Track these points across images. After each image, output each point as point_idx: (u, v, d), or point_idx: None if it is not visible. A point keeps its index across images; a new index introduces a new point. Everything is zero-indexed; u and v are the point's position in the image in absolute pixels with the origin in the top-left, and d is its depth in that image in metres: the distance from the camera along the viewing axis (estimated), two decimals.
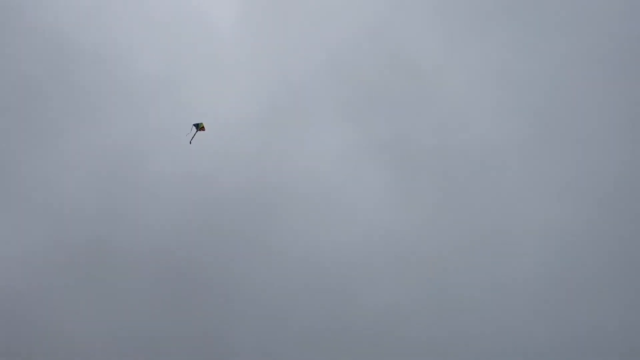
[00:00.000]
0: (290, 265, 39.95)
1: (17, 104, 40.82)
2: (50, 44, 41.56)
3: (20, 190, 39.68)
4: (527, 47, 42.36)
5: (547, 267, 39.01)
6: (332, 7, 43.83)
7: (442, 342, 38.31)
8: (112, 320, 38.20)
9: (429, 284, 39.71)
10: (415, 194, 41.60)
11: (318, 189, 41.74)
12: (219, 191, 41.12)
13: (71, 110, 41.31)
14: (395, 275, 40.09)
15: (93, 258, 39.04)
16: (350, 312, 39.12)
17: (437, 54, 43.09)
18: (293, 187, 41.68)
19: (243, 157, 41.90)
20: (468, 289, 39.40)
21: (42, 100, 41.17)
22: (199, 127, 35.86)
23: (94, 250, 39.18)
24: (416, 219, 41.03)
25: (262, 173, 41.86)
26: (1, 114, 40.69)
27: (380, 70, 43.54)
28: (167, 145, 41.09)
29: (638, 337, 36.66)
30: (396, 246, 40.71)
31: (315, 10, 43.91)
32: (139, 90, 42.09)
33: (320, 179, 41.89)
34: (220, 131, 39.39)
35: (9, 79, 40.85)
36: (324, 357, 38.22)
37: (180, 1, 43.58)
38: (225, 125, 40.31)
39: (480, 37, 42.87)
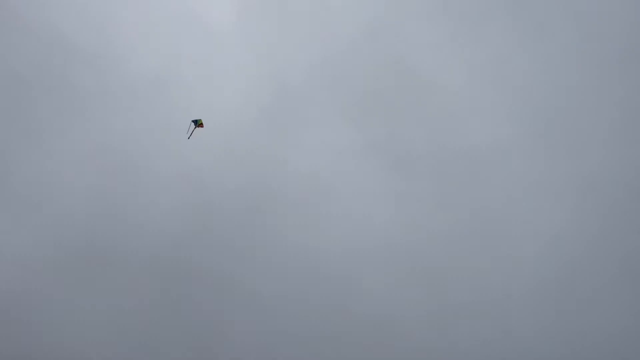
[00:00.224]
0: (285, 265, 40.09)
1: (12, 103, 40.73)
2: (45, 42, 41.47)
3: (16, 191, 39.58)
4: (523, 49, 42.43)
5: (544, 269, 39.19)
6: (328, 9, 43.88)
7: (438, 343, 38.47)
8: (108, 319, 38.18)
9: (424, 284, 39.91)
10: (411, 195, 41.73)
11: (314, 190, 41.86)
12: (215, 191, 41.14)
13: (67, 109, 41.22)
14: (389, 276, 40.24)
15: (89, 258, 39.03)
16: (346, 312, 39.22)
17: (432, 56, 43.17)
18: (289, 187, 41.84)
19: (239, 156, 41.97)
20: (463, 291, 39.59)
21: (38, 100, 41.05)
22: (198, 123, 35.84)
23: (90, 250, 39.18)
24: (411, 219, 41.24)
25: (258, 172, 41.99)
26: None
27: (376, 71, 43.67)
28: (163, 145, 41.19)
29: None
30: (391, 247, 40.87)
31: (312, 12, 43.97)
32: (135, 89, 42.00)
33: (316, 180, 41.99)
34: (216, 131, 39.44)
35: (4, 78, 40.72)
36: (319, 352, 38.41)
37: (177, 1, 43.50)
38: (222, 125, 40.38)
39: (477, 39, 43.00)
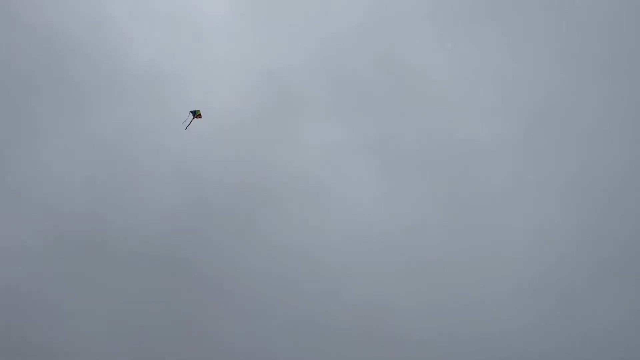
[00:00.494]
0: (280, 258, 40.37)
1: (8, 97, 40.85)
2: (41, 37, 41.69)
3: (12, 183, 39.72)
4: (515, 48, 43.15)
5: (537, 265, 39.70)
6: (323, 5, 44.49)
7: (432, 338, 38.91)
8: (103, 311, 38.34)
9: (418, 280, 40.26)
10: (405, 192, 42.16)
11: (308, 186, 42.18)
12: (210, 185, 41.42)
13: (63, 103, 41.37)
14: (384, 272, 40.60)
15: (86, 250, 39.17)
16: (341, 307, 39.57)
17: (426, 54, 43.75)
18: (283, 182, 42.15)
19: (234, 151, 42.27)
20: (457, 287, 40.03)
21: (34, 94, 41.19)
22: (196, 114, 36.15)
23: (87, 242, 39.33)
24: (405, 216, 41.66)
25: (252, 167, 42.26)
26: None
27: (370, 69, 44.12)
28: (159, 140, 41.42)
29: (630, 335, 37.47)
30: (386, 243, 41.28)
31: (306, 8, 44.48)
32: (131, 84, 42.28)
33: (310, 176, 42.34)
34: (211, 126, 39.75)
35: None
36: (313, 347, 38.71)
37: None
38: (216, 120, 40.53)
39: (469, 37, 43.66)
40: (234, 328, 38.81)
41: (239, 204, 41.46)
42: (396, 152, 42.97)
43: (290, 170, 42.36)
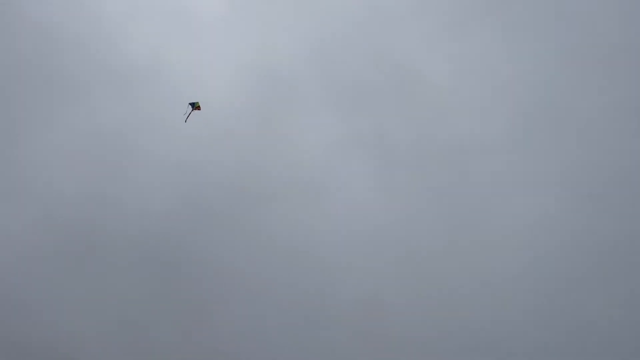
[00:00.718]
0: (275, 252, 40.55)
1: (2, 93, 40.76)
2: (35, 33, 41.57)
3: (7, 179, 39.68)
4: (509, 45, 43.40)
5: (529, 256, 40.06)
6: (318, 2, 44.68)
7: (425, 327, 39.20)
8: (97, 303, 38.44)
9: (411, 271, 40.54)
10: (398, 186, 42.39)
11: (303, 180, 42.34)
12: (206, 178, 41.51)
13: (59, 99, 41.31)
14: (377, 263, 40.83)
15: (81, 247, 39.23)
16: (335, 298, 39.81)
17: (421, 50, 43.93)
18: (278, 178, 42.30)
19: (230, 148, 42.41)
20: (450, 278, 40.30)
21: (29, 89, 41.10)
22: (195, 106, 36.29)
23: (83, 239, 39.37)
24: (400, 209, 41.87)
25: (248, 163, 42.36)
26: None
27: (365, 65, 44.31)
28: (153, 133, 41.51)
29: (627, 332, 37.70)
30: (379, 235, 41.52)
31: (302, 4, 44.62)
32: (126, 77, 42.30)
33: (305, 171, 42.52)
34: (207, 122, 39.89)
35: None
36: (309, 339, 38.94)
37: None
38: (212, 116, 40.49)
39: (465, 33, 43.85)
40: (230, 322, 39.01)
41: (235, 199, 41.58)
42: (391, 147, 43.20)
43: (286, 167, 42.50)
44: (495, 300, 39.40)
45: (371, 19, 44.52)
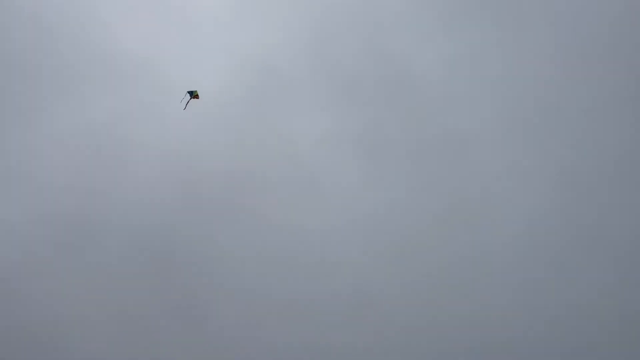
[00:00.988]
0: (268, 241, 40.88)
1: None
2: (31, 21, 41.54)
3: (2, 165, 39.72)
4: (500, 39, 43.74)
5: (523, 249, 40.58)
6: None
7: (416, 318, 39.65)
8: (91, 291, 38.55)
9: (402, 264, 40.89)
10: (391, 180, 42.70)
11: (295, 173, 42.60)
12: (200, 171, 41.61)
13: (51, 90, 41.26)
14: (368, 256, 41.19)
15: (75, 234, 39.30)
16: (328, 288, 40.18)
17: (413, 43, 44.21)
18: (271, 170, 42.43)
19: (223, 139, 42.53)
20: (441, 269, 40.66)
21: (22, 81, 41.10)
22: (193, 94, 36.60)
23: (77, 226, 39.43)
24: (391, 202, 42.16)
25: (240, 155, 42.50)
26: None
27: (357, 58, 44.44)
28: (149, 125, 41.67)
29: (610, 316, 38.40)
30: (370, 228, 41.83)
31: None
32: (121, 68, 42.28)
33: (296, 163, 42.71)
34: (200, 113, 40.10)
35: None
36: (300, 327, 39.30)
37: None
38: (205, 107, 40.57)
39: (457, 27, 44.21)
40: (221, 307, 39.31)
41: (228, 192, 41.67)
42: (383, 142, 43.42)
43: (278, 159, 42.66)
44: (487, 292, 39.82)
45: (364, 14, 44.76)
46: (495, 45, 43.62)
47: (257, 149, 42.75)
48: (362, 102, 43.95)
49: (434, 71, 43.75)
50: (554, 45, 43.12)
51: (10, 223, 38.75)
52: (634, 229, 39.79)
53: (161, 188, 41.02)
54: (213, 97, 41.49)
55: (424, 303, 39.79)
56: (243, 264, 40.29)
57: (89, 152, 40.91)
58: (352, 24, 44.55)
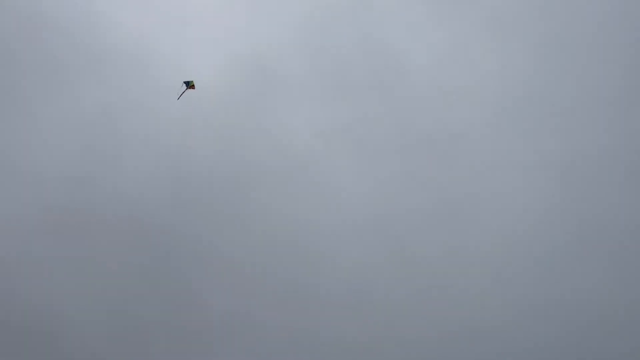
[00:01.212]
0: (262, 232, 41.20)
1: None
2: (23, 14, 41.25)
3: None
4: (491, 32, 44.17)
5: (514, 242, 41.22)
6: None
7: (412, 317, 40.21)
8: (84, 281, 38.67)
9: (396, 258, 41.47)
10: (384, 174, 43.12)
11: (291, 166, 42.85)
12: (192, 164, 41.74)
13: (45, 81, 41.02)
14: (362, 249, 41.70)
15: (68, 226, 39.21)
16: (320, 274, 40.67)
17: (406, 36, 44.49)
18: (264, 164, 42.63)
19: (216, 129, 42.65)
20: (433, 264, 41.28)
21: (15, 71, 40.79)
22: (189, 84, 36.90)
23: (69, 218, 39.31)
24: (384, 197, 42.69)
25: (233, 149, 42.65)
26: None
27: (350, 52, 44.62)
28: (141, 117, 41.57)
29: (600, 309, 39.11)
30: (365, 222, 42.30)
31: None
32: (114, 61, 42.13)
33: (289, 157, 42.91)
34: (193, 105, 40.31)
35: None
36: (294, 316, 39.69)
37: None
38: (198, 99, 40.80)
39: (450, 21, 44.49)
40: (214, 299, 39.54)
41: (220, 186, 41.85)
42: (375, 136, 43.72)
43: (271, 155, 42.85)
44: (483, 286, 40.45)
45: (356, 7, 44.91)
46: (486, 39, 44.02)
47: (249, 142, 42.85)
48: (354, 96, 44.19)
49: (426, 65, 44.07)
50: (546, 39, 43.58)
51: (1, 216, 38.57)
52: (623, 223, 40.51)
53: (153, 180, 41.06)
54: (205, 91, 41.25)
55: (420, 297, 40.36)
56: (235, 255, 40.53)
57: (81, 145, 40.77)
58: (344, 19, 44.68)
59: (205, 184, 41.57)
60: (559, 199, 41.55)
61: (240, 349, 39.00)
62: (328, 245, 41.30)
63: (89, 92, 41.32)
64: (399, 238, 41.72)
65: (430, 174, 42.84)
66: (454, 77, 43.98)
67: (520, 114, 43.33)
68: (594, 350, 38.28)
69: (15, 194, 38.97)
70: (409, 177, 42.84)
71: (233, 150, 42.41)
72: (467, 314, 39.72)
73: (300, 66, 43.89)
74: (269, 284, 40.25)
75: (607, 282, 39.58)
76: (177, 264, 39.86)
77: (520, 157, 42.70)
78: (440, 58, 44.05)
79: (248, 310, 39.46)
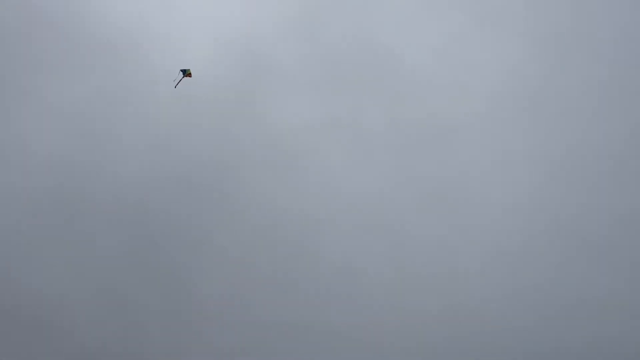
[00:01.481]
0: (255, 222, 41.36)
1: None
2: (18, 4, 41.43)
3: None
4: (485, 26, 44.16)
5: (507, 235, 41.23)
6: None
7: (401, 301, 40.42)
8: (77, 268, 38.80)
9: (387, 251, 41.61)
10: (376, 166, 43.13)
11: (279, 158, 42.90)
12: (184, 150, 41.79)
13: (37, 67, 41.04)
14: (354, 240, 41.80)
15: (60, 210, 39.39)
16: (314, 264, 40.89)
17: (398, 29, 44.52)
18: (255, 153, 42.75)
19: (207, 120, 42.73)
20: (425, 257, 41.39)
21: (8, 55, 40.85)
22: (186, 73, 37.58)
23: (61, 202, 39.51)
24: (377, 189, 42.66)
25: (225, 137, 42.77)
26: None
27: (342, 44, 44.57)
28: (133, 103, 41.72)
29: (591, 306, 39.15)
30: (356, 213, 42.30)
31: None
32: (105, 47, 42.12)
33: (281, 148, 42.98)
34: (185, 92, 40.27)
35: None
36: (287, 303, 39.99)
37: None
38: (190, 87, 40.65)
39: (443, 13, 44.47)
40: (208, 283, 39.78)
41: (212, 172, 41.93)
42: (369, 128, 43.67)
43: (262, 143, 42.89)
44: (477, 279, 40.51)
45: (351, 0, 44.89)
46: (481, 32, 44.05)
47: (241, 132, 42.90)
48: (347, 89, 44.16)
49: (419, 58, 44.06)
50: (541, 34, 43.58)
51: None
52: (616, 220, 40.47)
53: (147, 165, 41.12)
54: (197, 80, 41.10)
55: (408, 286, 40.49)
56: (227, 242, 40.66)
57: (74, 129, 40.77)
58: (338, 11, 44.67)
59: (199, 170, 41.69)
60: (554, 193, 41.63)
61: (233, 334, 39.26)
62: (322, 236, 41.39)
63: (82, 78, 41.42)
64: (392, 231, 41.80)
65: (422, 167, 42.91)
66: (447, 71, 43.98)
67: (515, 108, 43.32)
68: (585, 339, 38.45)
69: (6, 177, 39.06)
70: (401, 170, 42.94)
71: (225, 139, 42.54)
72: (463, 306, 39.82)
73: (293, 58, 43.78)
74: (261, 273, 40.42)
75: (599, 275, 39.67)
76: (170, 248, 39.98)
77: (515, 152, 42.71)
78: (434, 51, 44.06)
79: (238, 295, 39.79)
